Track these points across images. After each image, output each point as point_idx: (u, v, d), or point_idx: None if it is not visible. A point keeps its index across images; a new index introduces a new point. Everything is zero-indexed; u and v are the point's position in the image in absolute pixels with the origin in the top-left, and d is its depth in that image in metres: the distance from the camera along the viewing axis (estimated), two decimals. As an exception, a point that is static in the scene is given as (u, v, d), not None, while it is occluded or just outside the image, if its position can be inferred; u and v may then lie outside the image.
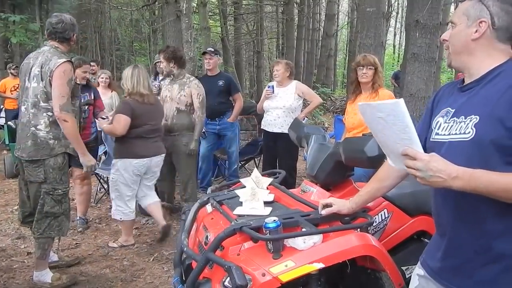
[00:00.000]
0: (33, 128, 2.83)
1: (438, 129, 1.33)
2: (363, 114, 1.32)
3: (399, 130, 1.17)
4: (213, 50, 5.11)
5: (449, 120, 1.29)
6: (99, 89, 5.63)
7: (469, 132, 1.19)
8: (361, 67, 3.27)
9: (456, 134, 1.24)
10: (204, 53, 4.97)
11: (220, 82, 4.97)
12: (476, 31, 1.24)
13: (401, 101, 1.15)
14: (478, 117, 1.19)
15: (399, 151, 1.20)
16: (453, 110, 1.29)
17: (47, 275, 3.00)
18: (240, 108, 5.14)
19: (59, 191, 2.90)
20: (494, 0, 1.23)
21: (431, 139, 1.36)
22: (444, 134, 1.29)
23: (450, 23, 1.33)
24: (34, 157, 2.82)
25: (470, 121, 1.20)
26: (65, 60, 2.81)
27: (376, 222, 2.13)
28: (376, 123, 1.26)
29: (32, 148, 2.82)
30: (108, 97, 5.57)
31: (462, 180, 1.12)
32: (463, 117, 1.24)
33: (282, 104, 4.37)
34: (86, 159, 2.99)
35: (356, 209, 1.81)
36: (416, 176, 1.16)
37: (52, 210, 2.89)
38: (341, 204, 1.82)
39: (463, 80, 1.34)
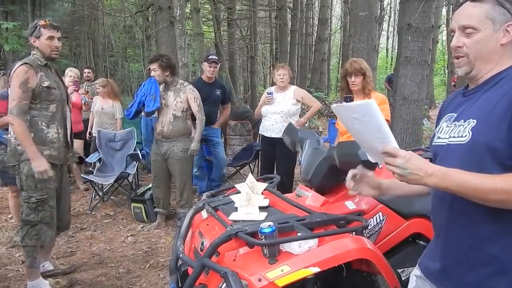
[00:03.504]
0: (9, 135, 2.90)
1: (440, 133, 1.35)
2: (338, 115, 1.35)
3: (375, 129, 1.20)
4: (217, 58, 5.13)
5: (450, 124, 1.31)
6: (98, 98, 5.62)
7: (465, 135, 1.21)
8: (349, 75, 3.29)
9: (454, 137, 1.26)
10: (212, 61, 4.92)
11: (218, 92, 5.01)
12: (504, 35, 1.22)
13: (373, 101, 1.17)
14: (475, 121, 1.20)
15: (378, 148, 1.22)
16: (455, 115, 1.31)
17: (42, 284, 2.98)
18: (227, 116, 5.37)
19: (33, 198, 2.83)
20: (509, 3, 1.22)
21: (433, 143, 1.37)
22: (444, 138, 1.31)
23: (466, 29, 1.24)
24: (10, 163, 2.89)
25: (468, 124, 1.22)
26: (21, 63, 2.79)
27: (371, 225, 2.14)
28: (352, 123, 1.28)
29: (10, 154, 2.88)
30: (109, 106, 5.56)
31: (436, 177, 1.14)
32: (462, 120, 1.25)
33: (281, 109, 4.38)
34: (36, 164, 2.76)
35: (385, 191, 1.57)
36: (394, 172, 1.18)
37: (27, 218, 2.85)
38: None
39: (467, 86, 1.35)
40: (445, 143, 1.29)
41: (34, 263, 2.94)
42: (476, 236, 1.21)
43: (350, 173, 1.52)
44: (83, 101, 5.23)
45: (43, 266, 3.24)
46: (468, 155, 1.19)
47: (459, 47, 1.26)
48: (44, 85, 2.81)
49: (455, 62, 1.29)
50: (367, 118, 1.20)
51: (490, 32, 1.22)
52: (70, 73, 5.15)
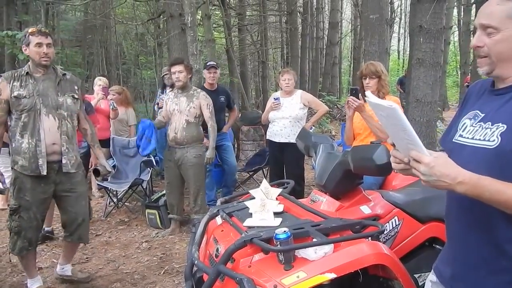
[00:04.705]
0: None
1: (463, 131, 1.29)
2: (370, 105, 1.29)
3: (400, 131, 1.15)
4: (216, 64, 5.09)
5: (476, 124, 1.25)
6: None
7: (493, 141, 1.16)
8: (364, 77, 3.28)
9: (480, 140, 1.20)
10: (211, 67, 4.91)
11: (222, 98, 5.00)
12: None
13: (396, 107, 1.11)
14: (505, 126, 1.15)
15: (405, 150, 1.18)
16: (482, 115, 1.25)
17: (33, 284, 3.09)
18: (235, 119, 5.35)
19: (10, 206, 2.92)
20: None
21: (453, 140, 1.32)
22: (468, 138, 1.25)
23: (487, 28, 1.19)
24: None
25: (497, 129, 1.16)
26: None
27: (387, 230, 2.12)
28: (381, 120, 1.25)
29: None
30: (122, 113, 5.61)
31: (467, 185, 1.08)
32: (489, 123, 1.20)
33: (288, 114, 4.38)
34: None
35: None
36: (421, 179, 1.13)
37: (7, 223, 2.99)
38: None
39: (493, 82, 1.29)
40: (468, 144, 1.24)
41: (25, 265, 3.07)
42: (496, 242, 1.18)
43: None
44: (111, 107, 5.15)
45: (63, 268, 3.29)
46: (495, 161, 1.14)
47: (479, 46, 1.21)
48: (14, 95, 2.78)
49: (477, 61, 1.25)
50: (391, 119, 1.16)
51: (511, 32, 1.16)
52: (99, 82, 5.19)
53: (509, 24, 1.16)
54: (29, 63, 2.90)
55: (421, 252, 2.25)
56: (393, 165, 1.27)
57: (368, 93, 1.26)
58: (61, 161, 2.90)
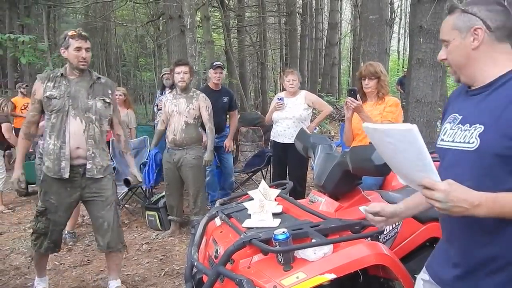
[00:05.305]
0: None
1: (444, 135, 1.33)
2: (369, 136, 1.27)
3: (413, 156, 1.10)
4: (222, 64, 5.11)
5: (454, 127, 1.29)
6: None
7: (473, 142, 1.19)
8: (363, 78, 3.27)
9: (460, 142, 1.24)
10: (217, 67, 4.91)
11: (225, 99, 5.00)
12: (474, 39, 1.23)
13: (414, 127, 1.07)
14: (482, 127, 1.18)
15: (413, 177, 1.15)
16: (460, 117, 1.29)
17: (40, 284, 3.10)
18: (236, 123, 5.31)
19: (37, 207, 2.93)
20: (478, 6, 1.23)
21: (437, 145, 1.35)
22: (448, 141, 1.29)
23: (443, 42, 1.30)
24: None
25: (475, 130, 1.20)
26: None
27: (386, 230, 2.12)
28: (385, 147, 1.21)
29: None
30: (124, 114, 5.62)
31: (485, 207, 1.08)
32: (468, 125, 1.23)
33: (292, 115, 4.38)
34: (13, 173, 2.88)
35: (404, 213, 1.49)
36: (436, 206, 1.10)
37: (32, 224, 2.99)
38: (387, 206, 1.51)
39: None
40: (450, 147, 1.27)
41: (36, 265, 3.09)
42: (493, 243, 1.19)
43: (370, 215, 1.44)
44: None
45: (109, 285, 3.13)
46: (477, 162, 1.17)
47: (443, 59, 1.32)
48: (46, 95, 2.78)
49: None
50: (404, 144, 1.10)
51: (458, 41, 1.25)
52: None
53: (454, 34, 1.26)
54: (66, 65, 2.91)
55: (421, 253, 2.24)
56: (370, 219, 1.40)
57: (368, 124, 1.23)
58: (86, 165, 2.84)
